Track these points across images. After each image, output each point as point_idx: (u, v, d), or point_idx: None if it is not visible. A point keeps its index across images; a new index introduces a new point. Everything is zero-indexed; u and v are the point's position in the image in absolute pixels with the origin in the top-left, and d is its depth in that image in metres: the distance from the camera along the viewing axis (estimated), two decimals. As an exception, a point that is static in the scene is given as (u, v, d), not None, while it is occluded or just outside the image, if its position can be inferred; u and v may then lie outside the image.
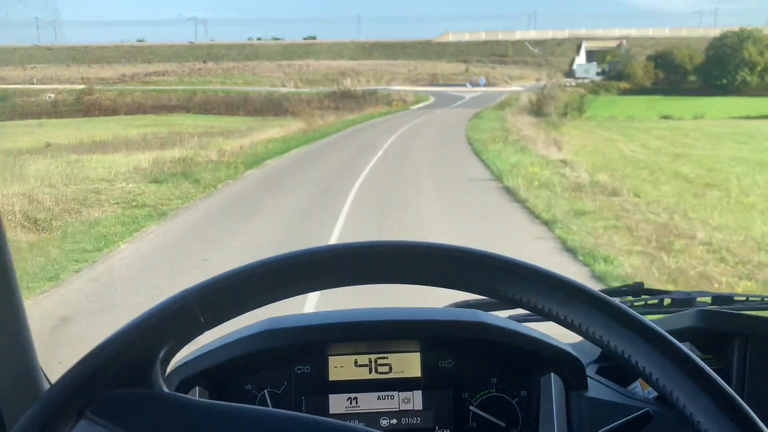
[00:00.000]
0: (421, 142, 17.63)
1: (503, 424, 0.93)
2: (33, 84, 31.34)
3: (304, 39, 75.18)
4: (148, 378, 0.51)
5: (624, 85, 52.91)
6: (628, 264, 5.79)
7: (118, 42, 63.94)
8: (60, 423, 0.48)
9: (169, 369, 0.65)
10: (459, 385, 0.93)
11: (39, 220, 7.27)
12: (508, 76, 60.60)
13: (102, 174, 11.17)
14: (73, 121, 23.97)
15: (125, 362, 0.50)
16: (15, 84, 31.30)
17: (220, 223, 7.82)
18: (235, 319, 0.55)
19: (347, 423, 0.51)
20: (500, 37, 73.87)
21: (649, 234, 6.91)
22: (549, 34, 74.59)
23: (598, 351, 1.02)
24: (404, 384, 0.92)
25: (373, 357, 0.93)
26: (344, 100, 35.02)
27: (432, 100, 41.41)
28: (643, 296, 1.27)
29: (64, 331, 4.29)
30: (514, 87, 50.55)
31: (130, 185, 10.33)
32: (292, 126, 21.97)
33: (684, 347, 0.53)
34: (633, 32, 68.71)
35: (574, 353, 0.90)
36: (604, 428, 0.65)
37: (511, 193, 9.37)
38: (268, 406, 0.90)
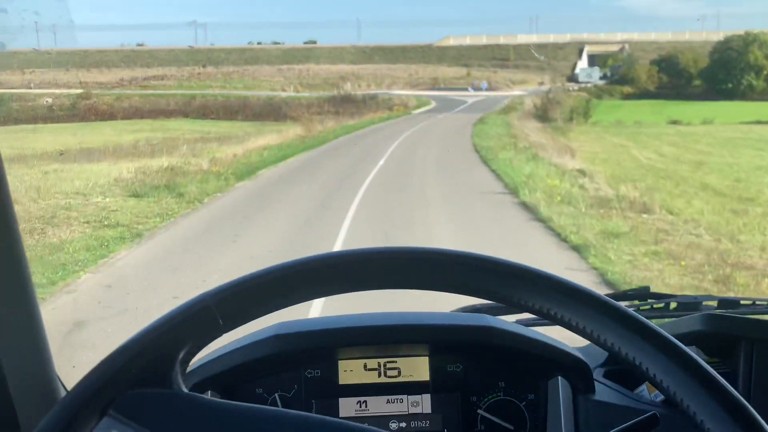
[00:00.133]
0: (425, 150, 16.63)
1: (511, 428, 0.93)
2: (30, 88, 30.95)
3: (305, 43, 75.10)
4: (169, 378, 0.52)
5: (627, 89, 52.49)
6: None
7: (117, 46, 63.74)
8: (84, 420, 0.49)
9: None
10: (467, 388, 0.93)
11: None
12: (510, 80, 60.20)
13: (78, 186, 10.19)
14: (69, 126, 23.54)
15: (146, 363, 0.52)
16: (12, 88, 30.80)
17: (201, 246, 6.83)
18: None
19: (364, 425, 0.52)
20: (502, 41, 73.65)
21: (699, 263, 5.92)
22: (551, 38, 74.39)
23: (604, 355, 1.01)
24: (413, 387, 0.93)
25: (382, 361, 0.93)
26: (344, 104, 34.79)
27: (434, 104, 40.84)
28: (649, 300, 1.27)
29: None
30: (517, 91, 50.16)
31: (107, 200, 9.34)
32: (291, 132, 21.20)
33: (692, 352, 0.53)
34: (635, 36, 68.47)
35: (581, 357, 0.90)
36: (612, 431, 0.65)
37: (530, 209, 8.37)
38: None
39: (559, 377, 0.90)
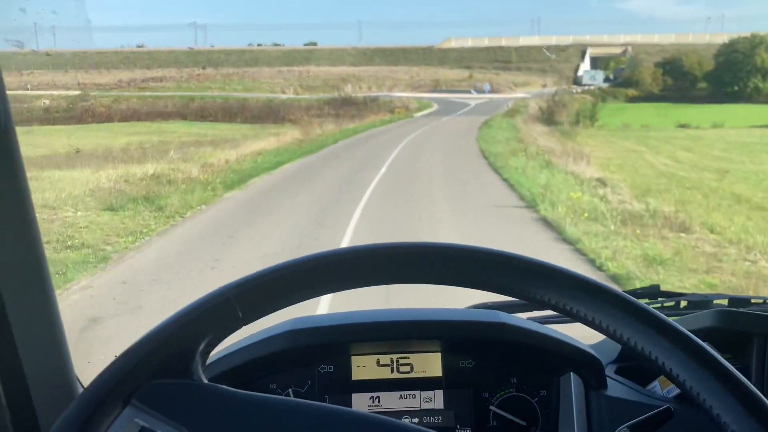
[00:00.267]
0: (429, 156, 15.63)
1: (524, 423, 0.93)
2: (27, 90, 30.37)
3: (305, 45, 74.94)
4: (190, 369, 0.53)
5: (632, 92, 52.11)
6: None
7: (117, 47, 63.57)
8: (107, 409, 0.50)
9: None
10: (479, 384, 0.94)
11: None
12: (512, 82, 59.77)
13: (49, 198, 9.20)
14: (64, 128, 22.79)
15: (168, 353, 0.52)
16: (9, 90, 30.27)
17: (174, 275, 5.85)
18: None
19: (380, 416, 0.52)
20: (503, 43, 73.37)
21: (768, 300, 4.93)
22: (553, 40, 74.15)
23: (616, 351, 1.02)
24: (425, 383, 0.93)
25: (394, 357, 0.93)
26: (345, 107, 34.39)
27: (436, 107, 40.17)
28: (659, 298, 1.27)
29: None
30: (519, 93, 49.75)
31: (78, 214, 8.36)
32: (288, 135, 20.35)
33: (711, 348, 0.54)
34: (638, 38, 68.12)
35: (593, 353, 0.91)
36: (627, 423, 0.67)
37: (553, 227, 7.37)
38: None
39: (572, 373, 0.90)
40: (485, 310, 1.04)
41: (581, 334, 0.67)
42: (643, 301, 0.72)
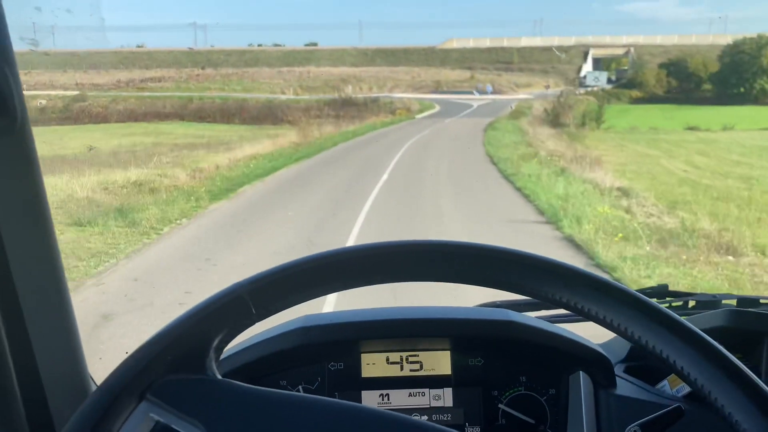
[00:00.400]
0: (434, 162, 14.65)
1: (532, 422, 0.92)
2: (24, 90, 30.00)
3: (306, 45, 74.36)
4: (204, 365, 0.53)
5: (635, 93, 51.34)
6: None
7: (117, 47, 63.07)
8: (123, 403, 0.51)
9: None
10: (488, 382, 0.93)
11: None
12: (514, 83, 59.08)
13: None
14: (59, 129, 22.10)
15: (182, 349, 0.53)
16: (7, 90, 30.18)
17: (136, 313, 4.87)
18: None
19: (392, 412, 0.52)
20: (505, 43, 72.72)
21: None
22: (555, 40, 73.43)
23: (626, 350, 1.01)
24: (435, 381, 0.93)
25: (404, 354, 0.93)
26: (345, 108, 33.62)
27: (438, 108, 39.31)
28: (668, 298, 1.26)
29: None
30: (522, 94, 49.13)
31: (41, 230, 7.40)
32: (285, 138, 19.49)
33: (720, 346, 0.54)
34: (641, 39, 67.43)
35: (602, 352, 0.90)
36: (638, 421, 0.66)
37: (581, 250, 6.39)
38: None
39: (581, 372, 0.90)
40: (494, 308, 1.02)
41: (590, 333, 0.68)
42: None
